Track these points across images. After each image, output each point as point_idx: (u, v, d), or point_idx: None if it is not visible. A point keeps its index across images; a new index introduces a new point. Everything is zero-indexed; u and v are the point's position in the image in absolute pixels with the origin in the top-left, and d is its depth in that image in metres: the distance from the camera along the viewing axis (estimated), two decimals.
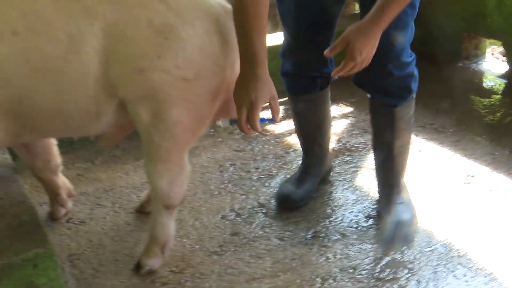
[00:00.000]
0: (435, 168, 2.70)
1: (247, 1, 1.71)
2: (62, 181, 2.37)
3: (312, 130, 2.46)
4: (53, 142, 2.24)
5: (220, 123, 1.98)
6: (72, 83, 1.72)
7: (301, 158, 2.78)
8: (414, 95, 2.19)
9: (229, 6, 1.87)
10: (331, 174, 2.65)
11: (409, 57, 2.09)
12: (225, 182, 2.65)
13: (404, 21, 1.98)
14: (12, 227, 1.93)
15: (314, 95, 2.36)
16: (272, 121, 1.85)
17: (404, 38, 2.02)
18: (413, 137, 2.62)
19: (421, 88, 2.20)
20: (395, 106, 2.15)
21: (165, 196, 1.96)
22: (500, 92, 3.39)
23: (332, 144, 2.90)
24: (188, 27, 1.74)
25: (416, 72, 2.13)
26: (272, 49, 2.39)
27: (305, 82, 2.31)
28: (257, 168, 2.74)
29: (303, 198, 2.45)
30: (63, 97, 1.75)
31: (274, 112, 1.82)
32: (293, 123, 3.05)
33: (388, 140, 2.23)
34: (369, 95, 2.22)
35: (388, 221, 2.25)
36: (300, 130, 2.48)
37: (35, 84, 1.71)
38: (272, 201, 2.49)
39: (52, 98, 1.75)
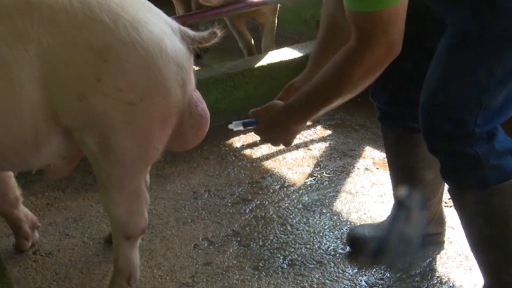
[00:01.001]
0: None
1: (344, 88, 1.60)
2: (25, 213, 2.28)
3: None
4: (10, 174, 2.15)
5: (232, 126, 1.83)
6: (5, 112, 1.64)
7: (277, 183, 2.73)
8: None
9: (175, 25, 1.79)
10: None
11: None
12: (199, 209, 2.57)
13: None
14: None
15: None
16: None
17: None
18: None
19: None
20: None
21: (123, 226, 1.87)
22: None
23: (310, 168, 2.84)
24: (128, 47, 1.65)
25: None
26: None
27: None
28: (232, 194, 2.66)
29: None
30: None
31: None
32: (269, 147, 3.02)
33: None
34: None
35: None
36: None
37: None
38: (248, 228, 2.41)
39: None
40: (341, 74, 1.58)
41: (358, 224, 2.39)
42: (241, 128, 1.83)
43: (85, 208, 2.62)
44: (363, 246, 2.20)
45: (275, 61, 3.34)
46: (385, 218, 2.27)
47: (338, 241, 2.32)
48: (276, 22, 3.61)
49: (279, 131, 1.76)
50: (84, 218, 2.56)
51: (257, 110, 1.80)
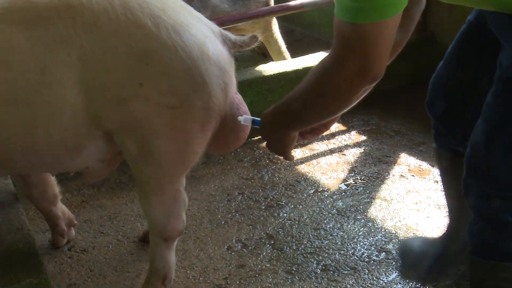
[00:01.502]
0: None
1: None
2: (62, 210, 2.31)
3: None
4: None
5: (241, 118, 1.75)
6: (44, 116, 1.66)
7: (312, 187, 2.72)
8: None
9: (216, 28, 1.79)
10: None
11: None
12: (233, 211, 2.57)
13: None
14: (7, 255, 1.88)
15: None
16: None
17: None
18: None
19: None
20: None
21: (161, 228, 1.88)
22: None
23: (344, 174, 2.82)
24: (170, 51, 1.65)
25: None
26: None
27: None
28: (266, 198, 2.66)
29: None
30: (34, 131, 1.68)
31: None
32: (303, 151, 3.00)
33: None
34: None
35: None
36: None
37: (2, 118, 1.64)
38: (281, 231, 2.40)
39: (21, 132, 1.68)
40: (311, 88, 1.42)
41: (411, 237, 2.33)
42: (249, 124, 1.75)
43: (120, 207, 2.65)
44: (414, 261, 2.13)
45: (310, 65, 3.32)
46: (438, 236, 2.19)
47: (373, 248, 2.30)
48: (276, 34, 3.49)
49: (269, 135, 1.61)
50: (119, 216, 2.58)
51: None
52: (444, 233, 2.13)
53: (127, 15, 1.64)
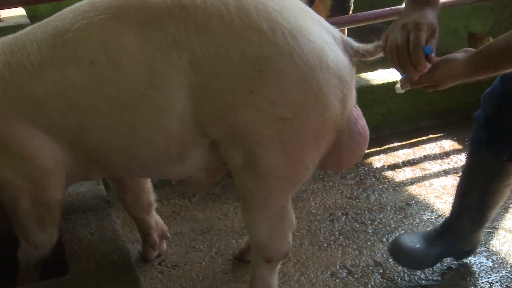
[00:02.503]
0: None
1: None
2: (156, 220, 2.30)
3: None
4: (147, 178, 2.16)
5: (398, 85, 1.63)
6: (150, 120, 1.64)
7: (425, 212, 2.58)
8: None
9: (338, 34, 1.70)
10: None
11: None
12: (336, 233, 2.48)
13: None
14: (101, 266, 1.87)
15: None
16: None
17: None
18: None
19: None
20: None
21: (265, 248, 1.82)
22: None
23: None
24: (286, 57, 1.58)
25: None
26: None
27: None
28: (373, 220, 2.55)
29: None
30: (137, 134, 1.67)
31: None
32: (413, 171, 2.87)
33: None
34: None
35: None
36: None
37: (105, 118, 1.65)
38: (391, 259, 2.28)
39: (123, 134, 1.68)
40: None
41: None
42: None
43: (212, 220, 2.61)
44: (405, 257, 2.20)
45: None
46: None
47: (497, 285, 2.14)
48: None
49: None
50: (212, 231, 2.54)
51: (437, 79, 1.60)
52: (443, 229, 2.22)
53: (242, 18, 1.58)
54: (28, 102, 1.68)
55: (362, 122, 1.82)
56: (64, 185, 1.84)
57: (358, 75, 3.25)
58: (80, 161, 1.79)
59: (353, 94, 1.76)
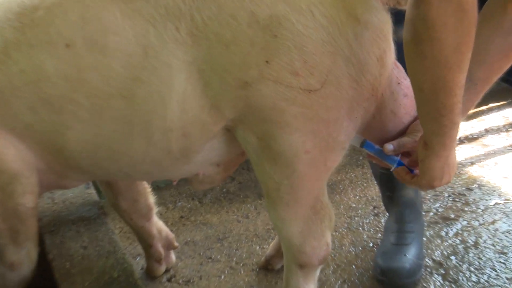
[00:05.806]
0: None
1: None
2: (158, 228, 2.30)
3: None
4: None
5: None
6: (144, 111, 1.62)
7: (490, 197, 2.57)
8: None
9: None
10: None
11: None
12: (382, 230, 2.47)
13: None
14: (99, 285, 1.88)
15: None
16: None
17: None
18: None
19: None
20: None
21: (297, 251, 1.82)
22: None
23: None
24: (305, 16, 1.57)
25: None
26: None
27: None
28: (427, 211, 2.56)
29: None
30: (129, 130, 1.66)
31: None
32: (472, 147, 2.87)
33: None
34: None
35: None
36: None
37: (86, 112, 1.64)
38: (454, 257, 2.27)
39: (111, 132, 1.67)
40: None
41: None
42: (357, 146, 1.82)
43: (230, 224, 2.62)
44: None
45: None
46: None
47: None
48: None
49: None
50: (230, 236, 2.55)
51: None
52: None
53: None
54: None
55: (406, 81, 1.81)
56: (36, 191, 1.84)
57: None
58: (53, 165, 1.78)
59: (392, 48, 1.75)
